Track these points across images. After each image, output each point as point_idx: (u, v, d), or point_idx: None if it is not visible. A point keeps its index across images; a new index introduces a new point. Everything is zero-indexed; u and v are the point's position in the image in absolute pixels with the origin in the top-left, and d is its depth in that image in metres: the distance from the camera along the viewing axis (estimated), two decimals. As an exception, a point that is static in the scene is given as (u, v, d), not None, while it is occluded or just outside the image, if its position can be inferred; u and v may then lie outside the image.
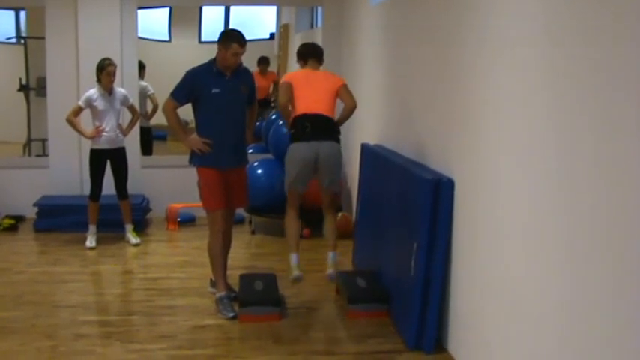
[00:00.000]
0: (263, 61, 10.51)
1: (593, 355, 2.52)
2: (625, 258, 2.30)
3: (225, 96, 4.82)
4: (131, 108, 6.87)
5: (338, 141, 4.95)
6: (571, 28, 2.69)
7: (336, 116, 5.08)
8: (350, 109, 5.07)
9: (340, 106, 5.11)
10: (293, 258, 4.94)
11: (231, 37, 4.79)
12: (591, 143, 2.51)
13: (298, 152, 4.86)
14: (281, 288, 5.05)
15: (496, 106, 3.44)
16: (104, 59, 6.52)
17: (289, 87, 4.99)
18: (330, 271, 4.99)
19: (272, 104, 9.93)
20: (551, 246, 2.83)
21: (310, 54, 5.18)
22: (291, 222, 5.03)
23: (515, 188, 3.22)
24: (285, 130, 5.40)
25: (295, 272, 4.91)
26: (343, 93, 5.04)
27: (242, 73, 4.98)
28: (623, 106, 2.31)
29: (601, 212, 2.45)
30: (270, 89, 10.58)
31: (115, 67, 6.54)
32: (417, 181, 4.24)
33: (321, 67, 5.21)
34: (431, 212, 4.08)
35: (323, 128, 4.88)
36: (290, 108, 5.05)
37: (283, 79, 5.12)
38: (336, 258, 5.03)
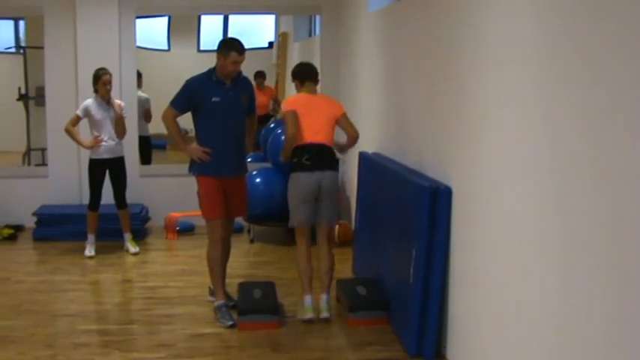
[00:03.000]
0: (259, 76, 10.29)
1: (591, 362, 2.52)
2: (623, 265, 2.30)
3: (224, 105, 4.83)
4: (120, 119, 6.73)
5: (337, 170, 4.97)
6: (568, 36, 2.70)
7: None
8: (353, 140, 5.07)
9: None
10: (307, 300, 4.82)
11: (230, 46, 4.80)
12: (589, 150, 2.52)
13: (302, 181, 4.80)
14: (280, 296, 5.04)
15: (494, 114, 3.45)
16: (99, 69, 6.53)
17: (296, 116, 4.87)
18: (324, 314, 4.81)
19: (272, 118, 9.84)
20: (550, 252, 2.83)
21: (307, 75, 5.09)
22: (303, 261, 4.89)
23: (512, 195, 3.23)
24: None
25: (309, 314, 4.79)
26: (344, 123, 5.01)
27: (242, 82, 4.99)
28: (621, 114, 2.32)
29: (599, 218, 2.46)
30: (270, 106, 10.51)
31: (111, 76, 6.54)
32: (415, 189, 4.25)
33: (317, 87, 5.15)
34: (429, 220, 4.08)
35: (325, 158, 4.86)
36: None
37: (287, 107, 4.97)
38: (329, 301, 4.88)
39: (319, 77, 5.17)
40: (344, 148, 5.15)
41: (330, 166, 4.87)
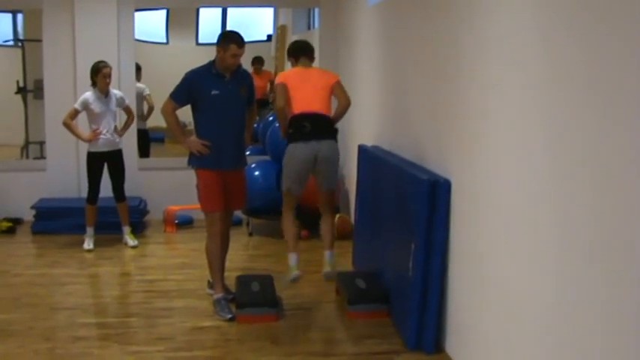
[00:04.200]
0: (257, 61, 10.45)
1: (591, 356, 2.52)
2: (624, 260, 2.30)
3: (224, 98, 4.82)
4: (127, 109, 6.86)
5: (336, 139, 4.95)
6: (568, 32, 2.69)
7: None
8: (344, 107, 5.04)
9: (335, 103, 5.09)
10: (292, 258, 4.90)
11: (229, 39, 4.79)
12: (589, 144, 2.52)
13: (298, 152, 4.82)
14: (278, 289, 5.05)
15: (493, 107, 3.44)
16: (99, 62, 6.51)
17: (285, 88, 4.92)
18: (326, 269, 4.94)
19: (270, 104, 9.92)
20: (550, 247, 2.83)
21: (301, 51, 5.11)
22: (289, 223, 4.99)
23: (512, 189, 3.22)
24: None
25: (294, 272, 4.88)
26: (337, 90, 5.01)
27: (241, 74, 4.98)
28: (621, 109, 2.31)
29: (599, 213, 2.45)
30: (268, 88, 10.57)
31: (110, 69, 6.53)
32: (414, 182, 4.24)
33: (313, 65, 5.18)
34: (427, 213, 4.08)
35: (321, 127, 4.86)
36: (287, 110, 5.03)
37: (278, 79, 5.04)
38: (333, 257, 4.97)
39: (315, 56, 5.17)
40: (334, 118, 5.08)
41: (327, 134, 4.87)
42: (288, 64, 5.40)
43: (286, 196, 5.00)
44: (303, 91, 4.90)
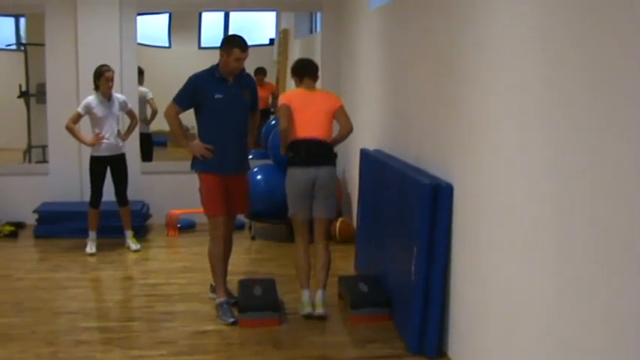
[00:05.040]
0: (260, 72, 10.37)
1: (591, 357, 2.52)
2: (624, 263, 2.30)
3: (227, 102, 4.82)
4: (130, 113, 6.87)
5: (334, 165, 4.96)
6: (568, 37, 2.69)
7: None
8: (347, 132, 5.04)
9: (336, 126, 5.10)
10: (305, 295, 4.84)
11: (232, 43, 4.79)
12: (590, 148, 2.52)
13: (297, 178, 4.84)
14: (280, 293, 5.04)
15: (495, 111, 3.44)
16: (101, 65, 6.52)
17: (288, 110, 4.90)
18: (320, 311, 4.79)
19: (272, 114, 9.90)
20: (551, 249, 2.83)
21: (305, 71, 5.08)
22: (300, 254, 4.91)
23: (514, 193, 3.22)
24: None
25: (307, 309, 4.80)
26: (340, 115, 5.01)
27: (244, 78, 4.98)
28: (622, 112, 2.31)
29: (601, 217, 2.45)
30: (269, 100, 10.57)
31: (113, 72, 6.54)
32: (416, 186, 4.24)
33: (316, 84, 5.14)
34: (429, 217, 4.07)
35: (320, 153, 4.87)
36: (289, 132, 4.98)
37: (281, 100, 5.02)
38: (325, 297, 4.86)
39: (319, 73, 5.16)
40: (335, 141, 5.10)
41: (325, 161, 4.88)
42: (291, 82, 5.37)
43: (294, 222, 4.98)
44: (304, 115, 4.89)
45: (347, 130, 5.04)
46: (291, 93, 5.13)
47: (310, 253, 4.92)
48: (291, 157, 4.90)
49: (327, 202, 4.91)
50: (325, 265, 4.92)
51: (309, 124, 4.88)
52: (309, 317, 4.80)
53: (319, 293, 4.85)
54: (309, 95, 5.03)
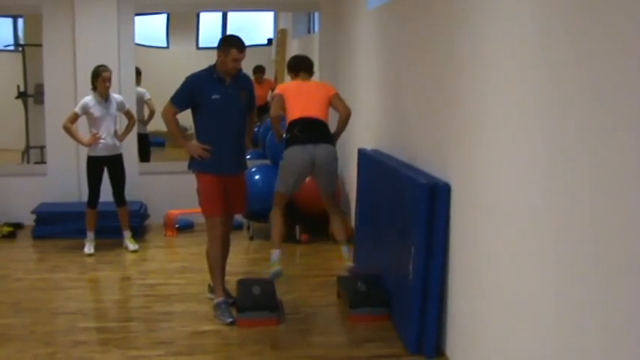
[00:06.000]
0: (258, 70, 10.51)
1: (591, 358, 2.52)
2: (624, 263, 2.30)
3: (224, 102, 4.82)
4: (127, 114, 6.86)
5: (333, 143, 5.00)
6: (566, 38, 2.69)
7: (331, 126, 5.10)
8: (345, 117, 5.12)
9: (334, 116, 5.13)
10: (275, 254, 5.02)
11: (230, 43, 4.80)
12: (588, 148, 2.51)
13: (295, 156, 4.90)
14: (279, 293, 5.04)
15: (493, 111, 3.44)
16: (99, 66, 6.52)
17: (281, 99, 5.09)
18: (348, 264, 5.08)
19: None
20: (549, 249, 2.83)
21: (301, 66, 5.28)
22: (278, 219, 5.12)
23: (512, 192, 3.22)
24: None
25: (276, 267, 4.98)
26: (336, 101, 5.10)
27: (242, 79, 4.98)
28: (621, 112, 2.31)
29: (598, 215, 2.45)
30: (269, 97, 10.59)
31: (110, 73, 6.54)
32: (413, 185, 4.24)
33: (312, 79, 5.31)
34: (427, 216, 4.07)
35: (317, 131, 4.94)
36: (284, 116, 5.13)
37: (275, 90, 5.22)
38: (349, 251, 5.14)
39: (314, 70, 5.31)
40: (337, 133, 5.20)
41: (323, 138, 4.94)
42: (287, 78, 5.50)
43: (278, 195, 5.14)
44: (300, 98, 5.04)
45: (345, 116, 5.13)
46: (286, 84, 5.39)
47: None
48: (289, 138, 4.99)
49: (329, 178, 5.06)
50: (342, 228, 5.17)
51: (305, 105, 5.01)
52: (277, 276, 4.96)
53: (344, 249, 5.11)
54: (304, 84, 5.20)
